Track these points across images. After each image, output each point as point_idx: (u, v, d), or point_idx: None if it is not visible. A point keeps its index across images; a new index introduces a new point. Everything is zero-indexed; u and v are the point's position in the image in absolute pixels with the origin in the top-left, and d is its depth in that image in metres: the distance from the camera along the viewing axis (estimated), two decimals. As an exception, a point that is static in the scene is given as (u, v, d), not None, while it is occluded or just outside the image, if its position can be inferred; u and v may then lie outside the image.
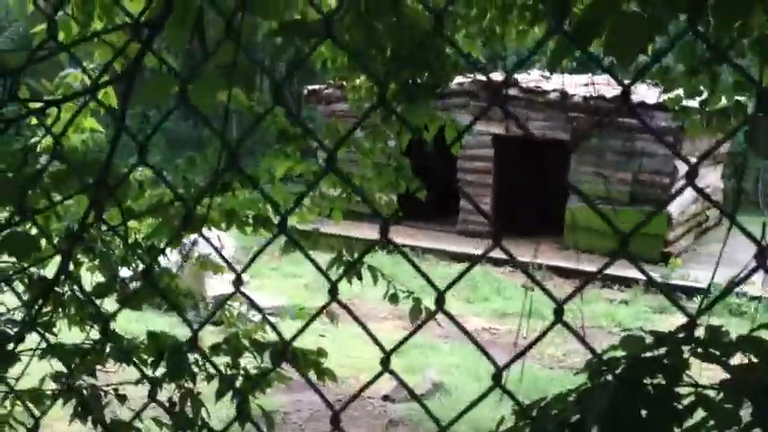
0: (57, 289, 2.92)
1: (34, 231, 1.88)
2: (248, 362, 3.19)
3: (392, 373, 1.05)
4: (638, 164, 10.92)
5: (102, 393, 2.84)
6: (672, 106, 4.13)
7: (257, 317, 4.60)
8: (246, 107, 3.13)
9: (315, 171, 3.50)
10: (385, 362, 1.05)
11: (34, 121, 3.59)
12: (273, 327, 1.50)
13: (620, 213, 11.13)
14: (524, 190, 12.34)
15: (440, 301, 1.02)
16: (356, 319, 1.14)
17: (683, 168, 10.99)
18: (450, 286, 1.08)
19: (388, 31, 3.93)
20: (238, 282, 1.30)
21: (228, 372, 2.95)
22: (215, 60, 1.14)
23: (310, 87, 13.27)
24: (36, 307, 1.51)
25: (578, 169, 11.20)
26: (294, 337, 1.30)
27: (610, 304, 9.41)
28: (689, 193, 11.83)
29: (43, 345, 2.55)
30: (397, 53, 3.99)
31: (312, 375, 3.45)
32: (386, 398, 6.02)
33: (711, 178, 12.83)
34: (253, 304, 1.37)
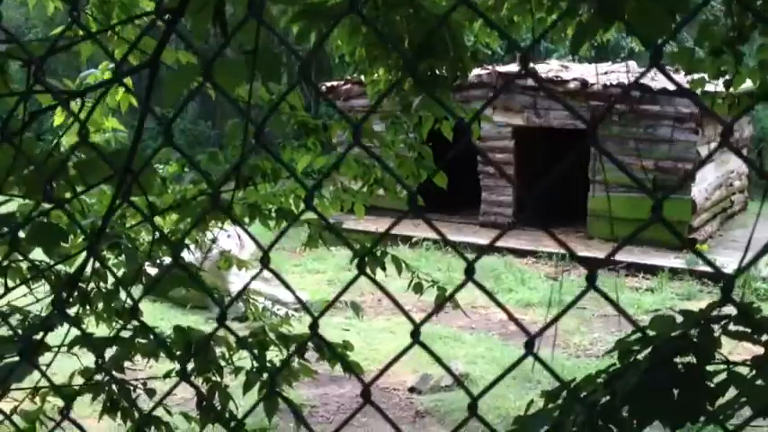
0: (82, 285, 2.95)
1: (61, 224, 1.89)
2: (274, 355, 3.21)
3: (422, 345, 1.04)
4: (660, 151, 10.82)
5: (131, 388, 2.86)
6: (695, 89, 4.07)
7: (281, 311, 4.63)
8: (268, 101, 3.14)
9: (335, 164, 3.51)
10: (415, 333, 1.03)
11: (57, 121, 3.63)
12: (303, 304, 1.47)
13: (644, 201, 11.05)
14: (546, 180, 12.25)
15: (469, 270, 1.00)
16: (384, 290, 1.13)
17: (705, 154, 10.90)
18: (479, 257, 1.06)
19: (406, 23, 3.92)
20: (266, 259, 1.26)
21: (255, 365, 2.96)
22: (237, 42, 1.14)
23: (328, 84, 13.27)
24: (64, 300, 1.51)
25: (600, 157, 11.12)
26: (322, 313, 1.28)
27: (635, 293, 9.35)
28: (713, 178, 11.72)
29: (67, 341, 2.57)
30: (414, 45, 3.97)
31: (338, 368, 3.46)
32: (412, 390, 6.02)
33: (735, 163, 12.69)
34: (282, 281, 1.35)
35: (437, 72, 4.05)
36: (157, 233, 2.18)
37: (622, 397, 1.54)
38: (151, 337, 2.52)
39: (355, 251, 1.14)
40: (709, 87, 3.83)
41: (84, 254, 1.52)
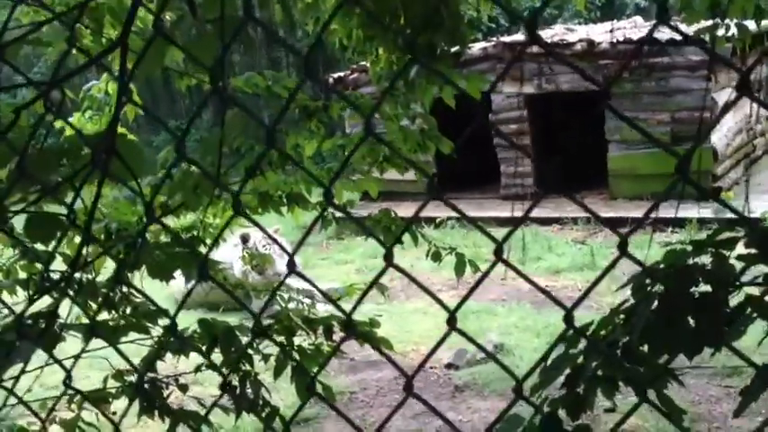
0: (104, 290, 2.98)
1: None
2: (302, 340, 3.22)
3: (460, 331, 1.03)
4: (674, 102, 10.69)
5: (164, 385, 2.89)
6: (703, 34, 3.98)
7: (306, 300, 4.64)
8: (264, 88, 3.14)
9: (341, 145, 3.50)
10: (451, 320, 1.03)
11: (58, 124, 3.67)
12: (334, 302, 1.46)
13: (664, 156, 10.89)
14: (563, 146, 12.19)
15: (498, 251, 1.00)
16: (413, 279, 1.12)
17: (722, 101, 10.74)
18: (507, 237, 1.05)
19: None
20: (292, 263, 1.25)
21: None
22: (204, 14, 1.14)
23: (335, 75, 13.27)
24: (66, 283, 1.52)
25: (614, 117, 11.02)
26: (354, 308, 1.28)
27: (665, 248, 9.26)
28: (732, 123, 11.56)
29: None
30: (411, 19, 3.95)
31: (367, 346, 3.46)
32: (449, 366, 6.02)
33: (755, 106, 12.49)
34: (307, 281, 1.35)
35: (435, 45, 4.03)
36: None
37: (638, 331, 1.53)
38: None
39: (383, 243, 1.12)
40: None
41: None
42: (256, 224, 1.26)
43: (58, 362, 1.25)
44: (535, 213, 10.96)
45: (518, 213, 11.19)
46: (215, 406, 2.06)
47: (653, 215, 9.68)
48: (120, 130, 3.95)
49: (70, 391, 1.92)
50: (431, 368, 5.99)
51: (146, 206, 1.11)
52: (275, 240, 1.33)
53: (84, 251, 1.26)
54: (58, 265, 2.70)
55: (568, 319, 0.96)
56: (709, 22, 3.65)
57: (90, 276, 2.94)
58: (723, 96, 10.85)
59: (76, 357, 1.35)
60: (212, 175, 1.24)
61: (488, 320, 7.09)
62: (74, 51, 1.72)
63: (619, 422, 1.02)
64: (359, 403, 5.59)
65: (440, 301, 1.04)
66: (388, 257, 1.01)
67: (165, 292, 7.71)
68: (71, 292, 1.80)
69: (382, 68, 4.50)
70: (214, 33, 1.19)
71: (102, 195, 3.95)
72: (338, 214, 3.44)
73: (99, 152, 1.09)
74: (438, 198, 1.06)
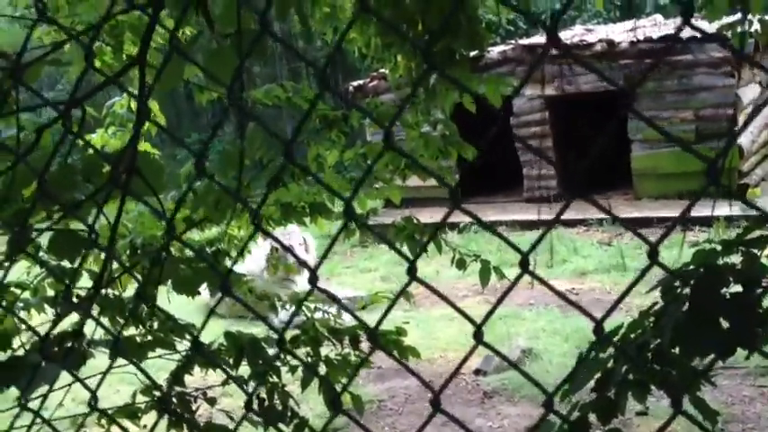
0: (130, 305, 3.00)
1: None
2: (329, 350, 3.21)
3: (486, 345, 1.02)
4: (698, 100, 10.57)
5: (192, 399, 2.90)
6: (725, 30, 3.91)
7: (332, 309, 4.64)
8: (285, 99, 3.15)
9: (362, 154, 3.50)
10: (477, 334, 1.01)
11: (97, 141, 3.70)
12: (355, 316, 1.44)
13: (687, 153, 10.78)
14: (586, 147, 12.12)
15: (524, 264, 0.98)
16: (439, 294, 1.10)
17: (746, 97, 10.62)
18: (532, 248, 1.04)
19: (417, 3, 3.89)
20: (314, 278, 1.22)
21: (310, 361, 2.97)
22: (221, 29, 1.14)
23: (355, 83, 13.30)
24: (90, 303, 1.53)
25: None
26: (379, 322, 1.26)
27: (693, 248, 9.16)
28: (758, 120, 11.42)
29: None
30: (428, 25, 3.94)
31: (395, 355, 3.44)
32: (477, 372, 5.99)
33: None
34: (330, 296, 1.34)
35: (454, 50, 4.01)
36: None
37: (669, 333, 1.51)
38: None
39: (406, 257, 1.09)
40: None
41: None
42: (275, 239, 1.25)
43: (83, 382, 1.25)
44: (559, 216, 10.90)
45: (543, 216, 11.14)
46: (243, 419, 2.05)
47: (678, 216, 9.58)
48: (144, 145, 4.00)
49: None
50: (459, 374, 5.96)
51: (167, 222, 1.11)
52: (294, 254, 1.31)
53: (107, 268, 1.26)
54: (86, 281, 2.73)
55: (598, 330, 0.94)
56: (731, 19, 3.60)
57: (116, 293, 2.96)
58: (747, 93, 10.74)
59: (104, 375, 1.35)
60: (232, 190, 1.24)
61: (516, 325, 7.05)
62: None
63: None
64: (387, 411, 5.57)
65: (465, 315, 1.03)
66: (413, 271, 1.00)
67: (195, 303, 7.75)
68: (95, 311, 1.81)
69: (401, 75, 4.50)
70: (231, 47, 1.19)
71: (126, 211, 3.97)
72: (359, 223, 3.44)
73: (119, 170, 1.09)
74: (459, 208, 1.05)
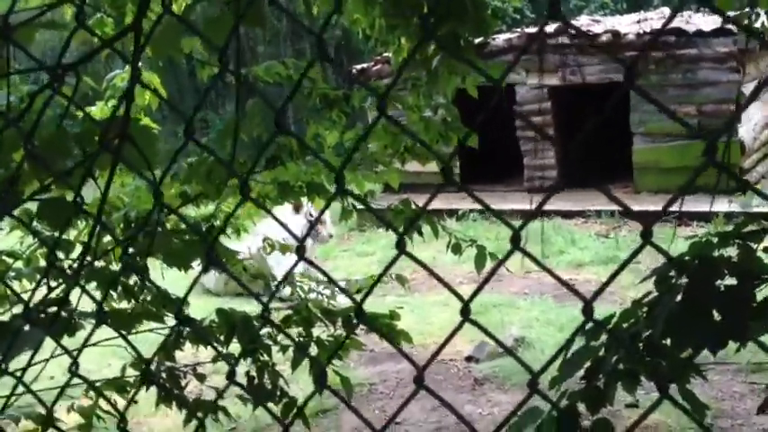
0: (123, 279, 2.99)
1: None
2: (321, 331, 3.21)
3: (473, 321, 1.00)
4: (701, 95, 10.53)
5: (182, 374, 2.89)
6: (740, 21, 3.86)
7: (326, 291, 4.63)
8: (286, 77, 3.12)
9: (363, 137, 3.48)
10: (465, 311, 1.00)
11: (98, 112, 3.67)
12: (343, 290, 1.43)
13: (690, 147, 10.78)
14: (588, 138, 12.06)
15: (516, 239, 0.96)
16: (426, 267, 1.09)
17: (749, 93, 10.58)
18: (524, 224, 1.02)
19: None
20: (301, 250, 1.21)
21: (301, 341, 2.96)
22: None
23: (358, 66, 13.24)
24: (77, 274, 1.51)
25: (640, 108, 10.89)
26: (365, 296, 1.25)
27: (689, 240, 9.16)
28: (760, 117, 11.38)
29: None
30: (433, 8, 3.91)
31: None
32: (469, 359, 5.99)
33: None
34: (320, 270, 1.32)
35: (459, 34, 3.98)
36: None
37: (661, 324, 1.49)
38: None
39: (396, 230, 1.09)
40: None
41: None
42: (268, 211, 1.24)
43: (65, 349, 1.24)
44: (558, 206, 10.92)
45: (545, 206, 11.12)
46: (229, 395, 2.05)
47: (677, 208, 9.58)
48: (143, 119, 3.97)
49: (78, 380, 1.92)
50: (450, 360, 5.96)
51: (154, 189, 1.10)
52: (286, 227, 1.30)
53: (94, 236, 1.25)
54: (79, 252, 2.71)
55: (587, 310, 0.92)
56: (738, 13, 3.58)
57: (109, 266, 2.94)
58: (751, 89, 10.69)
59: (84, 344, 1.34)
60: (224, 160, 1.22)
61: (510, 313, 7.05)
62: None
63: (639, 419, 0.99)
64: (378, 395, 5.58)
65: (454, 291, 1.01)
66: (401, 244, 0.98)
67: (189, 279, 7.71)
68: (82, 280, 1.80)
69: (405, 58, 4.46)
70: (230, 13, 1.17)
71: (123, 184, 3.95)
72: (358, 205, 3.42)
73: (110, 136, 1.07)
74: (454, 185, 1.03)
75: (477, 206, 11.41)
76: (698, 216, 9.79)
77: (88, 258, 1.37)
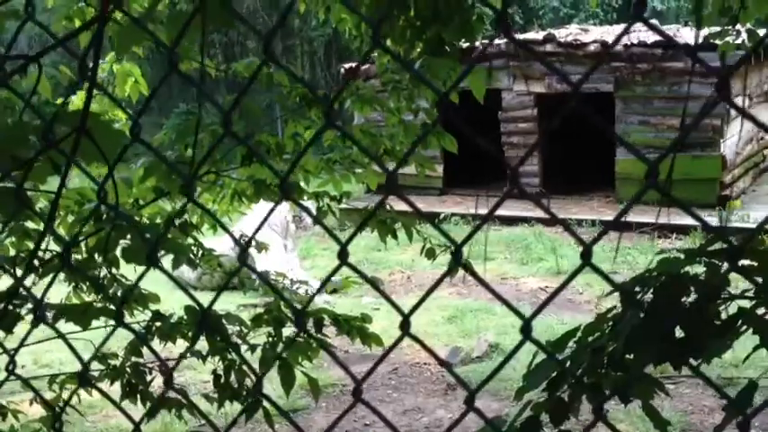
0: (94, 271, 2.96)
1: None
2: (291, 332, 3.18)
3: (412, 336, 0.99)
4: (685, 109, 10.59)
5: (147, 370, 2.87)
6: (726, 50, 3.88)
7: (301, 290, 4.61)
8: (266, 74, 3.10)
9: (342, 136, 3.46)
10: (404, 324, 0.98)
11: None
12: (280, 294, 1.41)
13: (670, 161, 10.84)
14: (571, 147, 12.12)
15: (457, 254, 0.95)
16: (367, 279, 1.08)
17: (734, 110, 10.64)
18: (468, 238, 1.00)
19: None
20: (243, 257, 1.17)
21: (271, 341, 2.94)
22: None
23: (346, 66, 13.21)
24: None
25: (624, 120, 10.95)
26: (312, 298, 1.24)
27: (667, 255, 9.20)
28: (743, 132, 11.46)
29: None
30: (419, 12, 3.90)
31: (359, 342, 3.43)
32: (443, 363, 5.98)
33: (766, 116, 12.40)
34: (256, 274, 1.29)
35: (444, 38, 3.97)
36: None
37: (624, 339, 1.49)
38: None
39: (338, 240, 1.06)
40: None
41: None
42: (209, 213, 1.22)
43: (2, 346, 1.22)
44: (540, 214, 10.94)
45: (524, 212, 11.15)
46: (185, 392, 2.02)
47: (657, 221, 9.62)
48: (118, 112, 3.93)
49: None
50: (424, 365, 5.96)
51: (98, 188, 1.08)
52: (229, 232, 1.28)
53: (46, 233, 1.22)
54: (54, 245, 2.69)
55: (526, 330, 0.91)
56: (720, 29, 3.60)
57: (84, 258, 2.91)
58: (736, 104, 10.75)
59: (23, 342, 1.31)
60: (167, 159, 1.20)
61: (486, 320, 7.05)
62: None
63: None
64: (350, 396, 5.55)
65: (394, 305, 1.00)
66: (343, 255, 0.97)
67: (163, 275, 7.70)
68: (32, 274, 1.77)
69: (389, 60, 4.45)
70: (187, 11, 1.15)
71: (101, 175, 3.91)
72: (333, 206, 3.40)
73: (71, 131, 1.05)
74: (395, 194, 1.01)
75: (459, 210, 11.45)
76: (677, 229, 9.85)
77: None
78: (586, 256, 0.86)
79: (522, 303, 7.64)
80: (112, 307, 2.28)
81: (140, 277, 1.25)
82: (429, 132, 3.44)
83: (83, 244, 2.83)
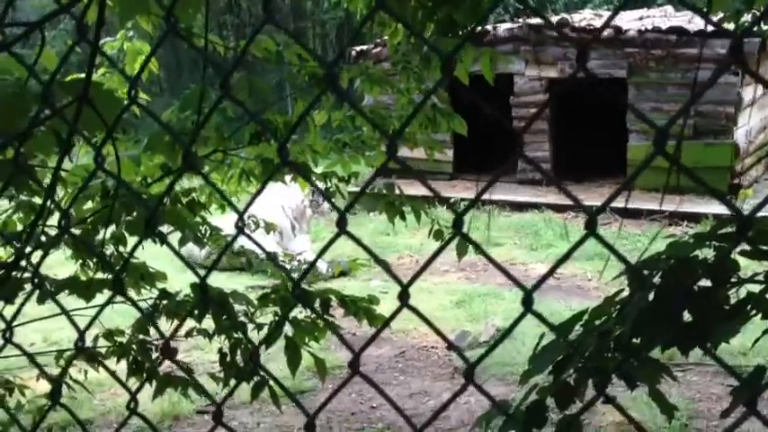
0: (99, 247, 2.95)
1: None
2: (298, 312, 3.18)
3: (411, 308, 0.97)
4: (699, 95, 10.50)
5: (154, 348, 2.87)
6: (731, 20, 3.83)
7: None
8: (274, 53, 3.08)
9: (350, 116, 3.44)
10: (402, 296, 0.96)
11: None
12: (280, 266, 1.39)
13: (685, 148, 10.76)
14: (583, 134, 12.04)
15: (458, 224, 0.93)
16: (365, 247, 1.06)
17: (747, 96, 10.56)
18: (465, 211, 0.98)
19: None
20: (240, 223, 1.16)
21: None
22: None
23: (357, 48, 13.15)
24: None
25: (637, 106, 10.86)
26: (304, 275, 1.22)
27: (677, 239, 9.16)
28: (756, 121, 11.37)
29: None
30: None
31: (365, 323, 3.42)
32: (450, 347, 5.98)
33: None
34: (254, 242, 1.27)
35: (455, 20, 3.93)
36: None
37: (631, 322, 1.47)
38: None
39: (337, 208, 1.04)
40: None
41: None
42: (211, 184, 1.21)
43: (1, 315, 1.21)
44: (550, 200, 10.90)
45: (532, 198, 11.11)
46: (192, 370, 2.02)
47: (669, 209, 9.57)
48: (139, 93, 3.94)
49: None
50: (432, 348, 5.95)
51: (96, 153, 1.06)
52: (223, 194, 1.27)
53: (46, 205, 1.21)
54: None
55: (527, 302, 0.89)
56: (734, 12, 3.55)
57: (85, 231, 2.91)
58: (749, 92, 10.66)
59: (16, 315, 1.30)
60: (168, 125, 1.18)
61: (494, 304, 7.04)
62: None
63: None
64: (356, 379, 5.55)
65: (394, 276, 0.99)
66: (341, 223, 0.95)
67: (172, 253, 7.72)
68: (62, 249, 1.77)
69: (400, 42, 4.42)
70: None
71: (109, 153, 3.92)
72: (342, 187, 3.38)
73: (73, 100, 1.04)
74: (393, 158, 0.98)
75: (467, 194, 11.41)
76: (688, 216, 9.79)
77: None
78: (590, 225, 0.83)
79: (530, 289, 7.63)
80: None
81: (137, 245, 1.24)
82: (435, 89, 3.41)
83: (89, 220, 2.84)
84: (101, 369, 2.97)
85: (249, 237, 1.10)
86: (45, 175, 3.27)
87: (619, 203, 10.42)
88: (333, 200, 3.53)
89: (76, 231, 2.78)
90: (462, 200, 11.35)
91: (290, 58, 3.06)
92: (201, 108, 1.48)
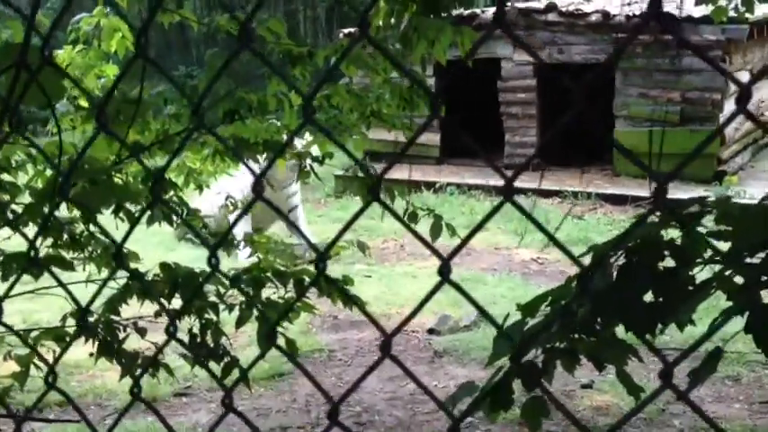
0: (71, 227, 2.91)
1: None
2: (272, 292, 3.14)
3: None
4: (686, 81, 10.49)
5: (122, 328, 2.83)
6: (717, 19, 3.81)
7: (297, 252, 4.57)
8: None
9: (327, 96, 3.39)
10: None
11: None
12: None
13: (671, 135, 10.77)
14: (570, 118, 12.00)
15: (374, 193, 0.89)
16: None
17: (734, 84, 10.53)
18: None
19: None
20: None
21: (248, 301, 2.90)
22: None
23: (345, 30, 13.06)
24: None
25: (624, 92, 10.84)
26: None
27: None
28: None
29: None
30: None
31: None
32: (431, 331, 5.97)
33: (766, 92, 12.28)
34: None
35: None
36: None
37: (592, 301, 1.44)
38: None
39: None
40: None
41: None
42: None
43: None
44: (536, 185, 10.87)
45: (518, 183, 11.08)
46: (161, 350, 1.99)
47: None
48: (110, 68, 3.87)
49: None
50: (412, 332, 5.94)
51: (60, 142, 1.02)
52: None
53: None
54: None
55: (444, 270, 0.86)
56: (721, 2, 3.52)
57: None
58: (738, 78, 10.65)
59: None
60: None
61: (477, 289, 7.02)
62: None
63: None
64: (337, 362, 5.55)
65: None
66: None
67: (160, 236, 7.71)
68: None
69: (383, 21, 4.36)
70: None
71: (84, 131, 3.84)
72: (316, 167, 3.35)
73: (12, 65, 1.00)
74: (311, 123, 0.94)
75: (455, 179, 11.39)
76: (674, 203, 9.78)
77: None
78: (508, 192, 0.80)
79: (513, 274, 7.62)
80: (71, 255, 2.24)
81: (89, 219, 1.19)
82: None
83: (64, 204, 2.79)
84: (79, 352, 2.94)
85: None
86: (14, 152, 3.22)
87: (604, 190, 10.44)
88: (308, 180, 3.49)
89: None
90: (449, 184, 11.33)
91: (266, 35, 3.02)
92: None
